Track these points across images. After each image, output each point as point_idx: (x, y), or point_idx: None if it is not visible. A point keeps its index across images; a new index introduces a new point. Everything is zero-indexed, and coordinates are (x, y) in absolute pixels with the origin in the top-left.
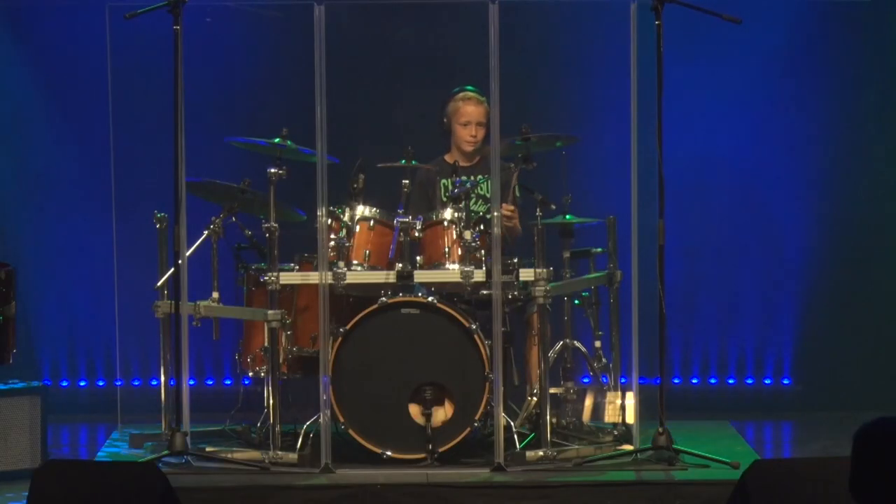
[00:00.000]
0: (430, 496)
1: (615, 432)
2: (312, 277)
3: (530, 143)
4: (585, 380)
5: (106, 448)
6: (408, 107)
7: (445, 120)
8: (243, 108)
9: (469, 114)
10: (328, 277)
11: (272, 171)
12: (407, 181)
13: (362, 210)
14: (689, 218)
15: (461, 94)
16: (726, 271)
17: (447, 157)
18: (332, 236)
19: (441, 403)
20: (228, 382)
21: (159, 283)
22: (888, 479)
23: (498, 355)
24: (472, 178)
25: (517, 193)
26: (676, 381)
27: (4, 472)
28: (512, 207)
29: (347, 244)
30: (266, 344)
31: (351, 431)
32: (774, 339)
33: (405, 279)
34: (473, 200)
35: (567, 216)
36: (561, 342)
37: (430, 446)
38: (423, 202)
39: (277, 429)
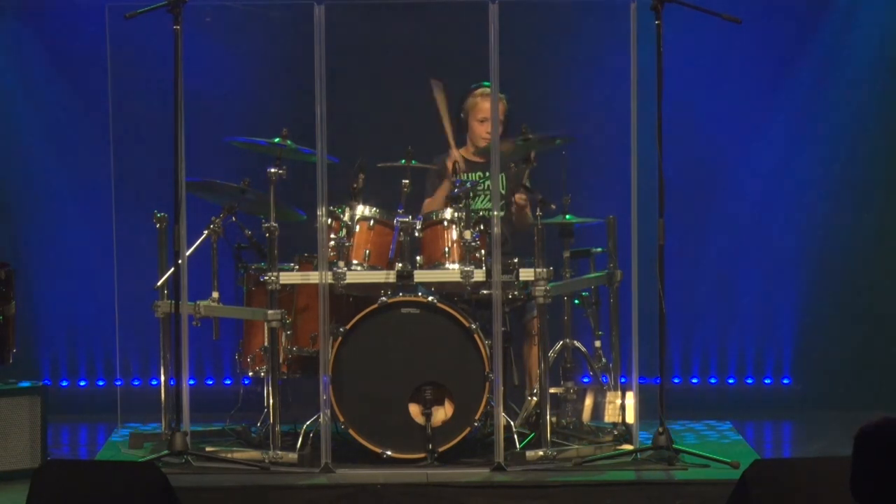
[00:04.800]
0: (430, 496)
1: (615, 432)
2: (312, 277)
3: (531, 143)
4: (585, 380)
5: (106, 448)
6: (408, 107)
7: (462, 115)
8: (243, 108)
9: (486, 110)
10: (328, 277)
11: (272, 171)
12: (407, 181)
13: (362, 210)
14: (689, 218)
15: (479, 91)
16: (726, 271)
17: (463, 152)
18: (332, 236)
19: (441, 403)
20: (228, 382)
21: (159, 283)
22: (889, 480)
23: (498, 355)
24: (481, 174)
25: (527, 185)
26: (676, 381)
27: (4, 472)
28: (524, 197)
29: (347, 244)
30: (266, 344)
31: (351, 431)
32: (774, 339)
33: (405, 279)
34: (481, 198)
35: (567, 216)
36: (561, 342)
37: (430, 446)
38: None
39: (277, 429)
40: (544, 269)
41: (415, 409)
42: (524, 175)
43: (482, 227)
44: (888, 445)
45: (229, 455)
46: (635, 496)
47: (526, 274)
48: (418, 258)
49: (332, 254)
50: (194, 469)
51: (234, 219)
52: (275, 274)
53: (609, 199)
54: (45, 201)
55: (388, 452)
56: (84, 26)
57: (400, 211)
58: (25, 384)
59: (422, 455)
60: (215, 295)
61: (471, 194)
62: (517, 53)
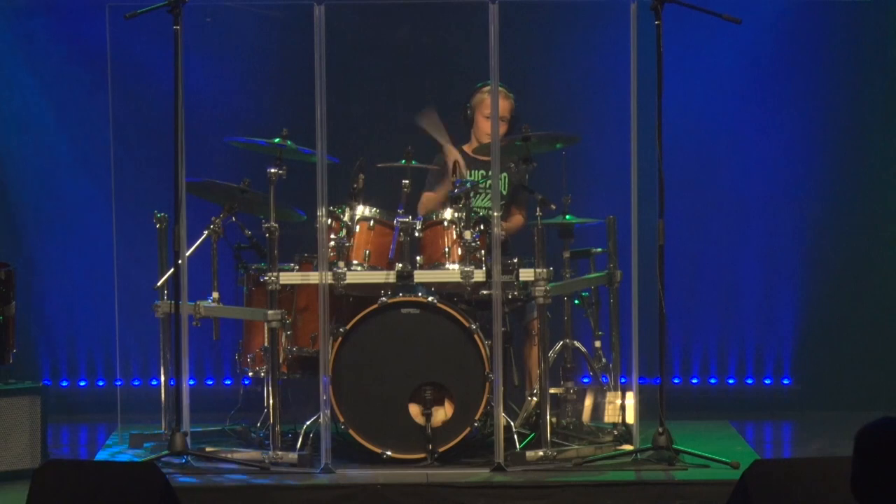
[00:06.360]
0: (430, 496)
1: (615, 432)
2: (312, 277)
3: (530, 143)
4: (585, 380)
5: (106, 448)
6: (408, 107)
7: (469, 111)
8: (243, 108)
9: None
10: (328, 277)
11: (272, 171)
12: (407, 181)
13: (362, 210)
14: (690, 218)
15: (487, 87)
16: (726, 271)
17: (466, 148)
18: (332, 236)
19: (441, 403)
20: (228, 382)
21: (159, 283)
22: (889, 479)
23: (498, 355)
24: (483, 173)
25: (527, 185)
26: (676, 381)
27: (4, 472)
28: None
29: (347, 244)
30: (266, 344)
31: (351, 431)
32: (774, 339)
33: (405, 279)
34: (482, 196)
35: (567, 216)
36: (561, 342)
37: (430, 446)
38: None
39: (277, 429)
40: (544, 270)
41: (415, 410)
42: (524, 177)
43: (482, 228)
44: (888, 445)
45: (229, 455)
46: (635, 496)
47: (526, 274)
48: (418, 258)
49: (332, 254)
50: (194, 469)
51: (234, 219)
52: (275, 274)
53: (609, 199)
54: (46, 201)
55: (388, 452)
56: (84, 26)
57: (400, 211)
58: (25, 384)
59: (422, 455)
60: (215, 295)
61: (471, 193)
62: (517, 53)
